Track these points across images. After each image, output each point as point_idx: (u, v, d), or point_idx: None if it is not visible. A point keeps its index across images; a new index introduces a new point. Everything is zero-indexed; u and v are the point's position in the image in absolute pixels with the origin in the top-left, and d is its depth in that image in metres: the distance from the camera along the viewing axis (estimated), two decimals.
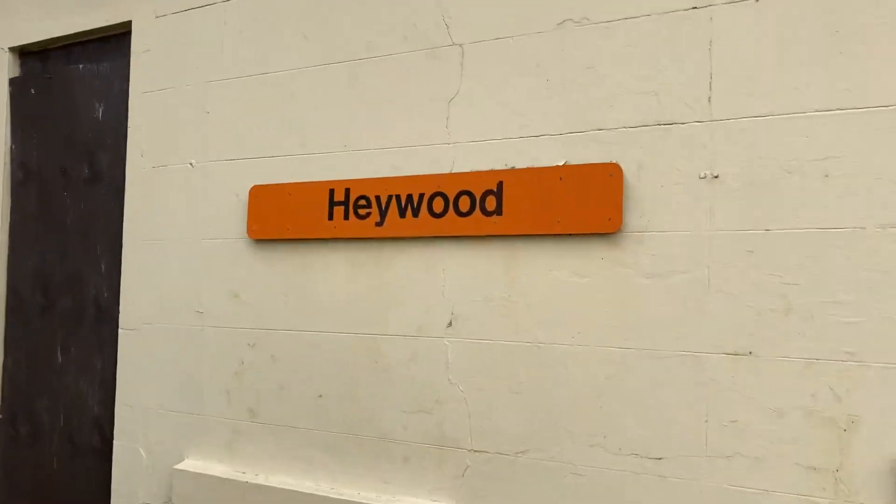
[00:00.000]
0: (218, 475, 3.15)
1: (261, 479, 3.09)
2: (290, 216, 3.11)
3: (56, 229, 3.89)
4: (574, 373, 2.53)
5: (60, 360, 3.85)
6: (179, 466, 3.29)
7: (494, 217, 2.66)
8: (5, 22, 4.09)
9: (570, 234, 2.55)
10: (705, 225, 2.35)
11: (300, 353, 3.09)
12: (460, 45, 2.80)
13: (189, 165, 3.44)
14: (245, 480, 3.09)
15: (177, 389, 3.39)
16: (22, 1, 4.05)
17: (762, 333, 2.26)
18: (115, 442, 3.56)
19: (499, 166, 2.70)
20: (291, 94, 3.18)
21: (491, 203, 2.68)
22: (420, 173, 2.86)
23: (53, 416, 3.86)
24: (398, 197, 2.86)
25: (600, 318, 2.50)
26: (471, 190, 2.72)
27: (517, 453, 2.62)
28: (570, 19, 2.60)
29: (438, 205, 2.77)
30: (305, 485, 3.02)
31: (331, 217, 3.01)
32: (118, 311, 3.63)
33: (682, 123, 2.40)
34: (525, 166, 2.65)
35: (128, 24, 3.71)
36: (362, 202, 2.94)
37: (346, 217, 2.97)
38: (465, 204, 2.72)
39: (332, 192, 3.01)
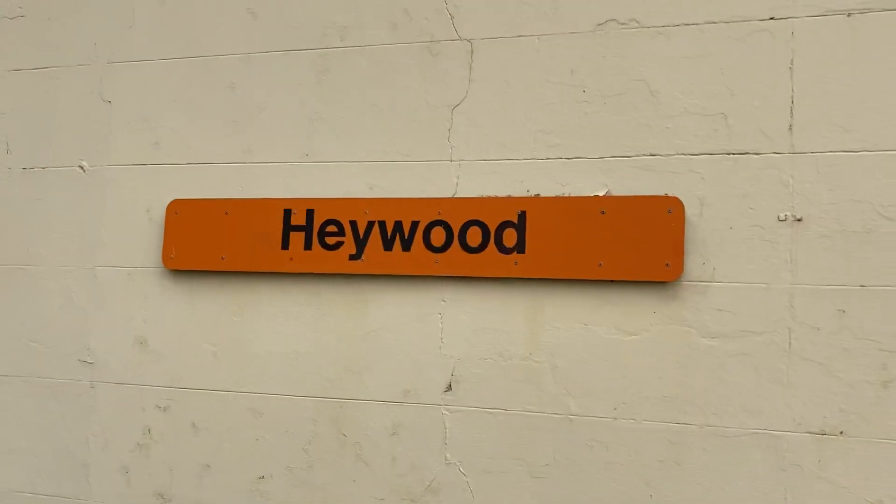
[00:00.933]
0: None
1: None
2: (226, 242, 2.40)
3: None
4: (617, 454, 2.03)
5: None
6: None
7: (515, 255, 2.13)
8: None
9: (614, 281, 2.06)
10: (785, 277, 1.95)
11: (234, 422, 2.36)
12: (469, 41, 2.26)
13: (78, 169, 2.62)
14: None
15: (50, 466, 2.52)
16: None
17: (855, 409, 1.88)
18: None
19: (518, 192, 2.18)
20: (231, 86, 2.49)
21: (510, 237, 2.14)
22: (409, 196, 2.27)
23: None
24: (382, 224, 2.25)
25: (652, 386, 2.03)
26: (483, 220, 2.17)
27: None
28: (613, 20, 2.14)
29: (438, 236, 2.20)
30: None
31: (285, 245, 2.33)
32: None
33: (757, 154, 2.00)
34: (554, 194, 2.15)
35: None
36: (331, 228, 2.30)
37: (308, 246, 2.31)
38: (474, 237, 2.16)
39: (287, 213, 2.34)
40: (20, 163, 2.69)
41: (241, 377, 2.37)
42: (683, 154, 2.05)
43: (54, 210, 2.61)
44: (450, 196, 2.23)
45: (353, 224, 2.27)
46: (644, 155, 2.09)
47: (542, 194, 2.15)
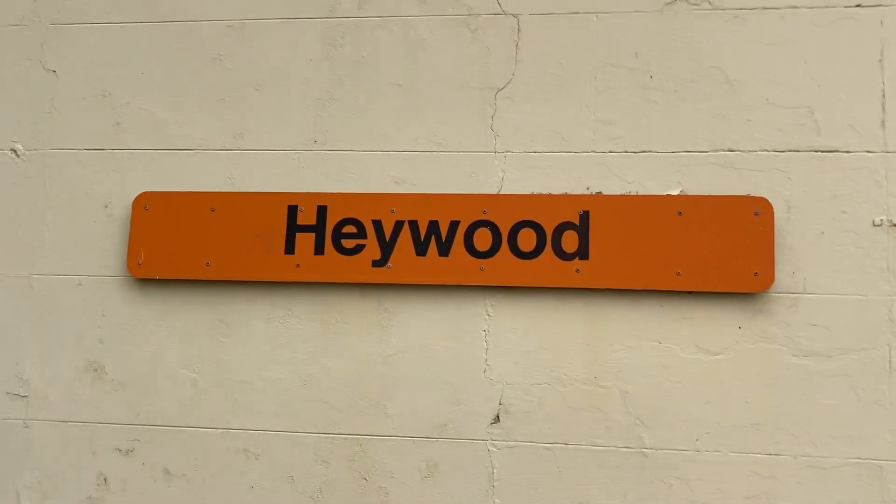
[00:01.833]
0: None
1: None
2: (212, 245, 1.96)
3: None
4: (700, 493, 1.75)
5: None
6: None
7: (576, 261, 1.82)
8: None
9: (692, 293, 1.80)
10: (883, 287, 1.76)
11: (220, 467, 1.91)
12: (515, 16, 1.96)
13: (10, 153, 2.10)
14: None
15: None
16: None
17: None
18: None
19: (575, 189, 1.89)
20: (218, 58, 2.07)
21: (570, 241, 1.83)
22: (445, 191, 1.92)
23: None
24: (414, 224, 1.89)
25: (738, 412, 1.76)
26: (537, 221, 1.85)
27: None
28: None
29: (483, 239, 1.86)
30: None
31: (290, 249, 1.93)
32: None
33: (847, 152, 1.81)
34: (618, 192, 1.87)
35: None
36: (349, 228, 1.91)
37: (320, 250, 1.91)
38: (527, 240, 1.85)
39: (293, 209, 1.94)
40: None
41: (230, 411, 1.93)
42: (766, 150, 1.83)
43: None
44: (495, 192, 1.91)
45: (378, 224, 1.90)
46: (722, 150, 1.85)
47: (604, 192, 1.87)
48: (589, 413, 1.81)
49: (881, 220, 1.78)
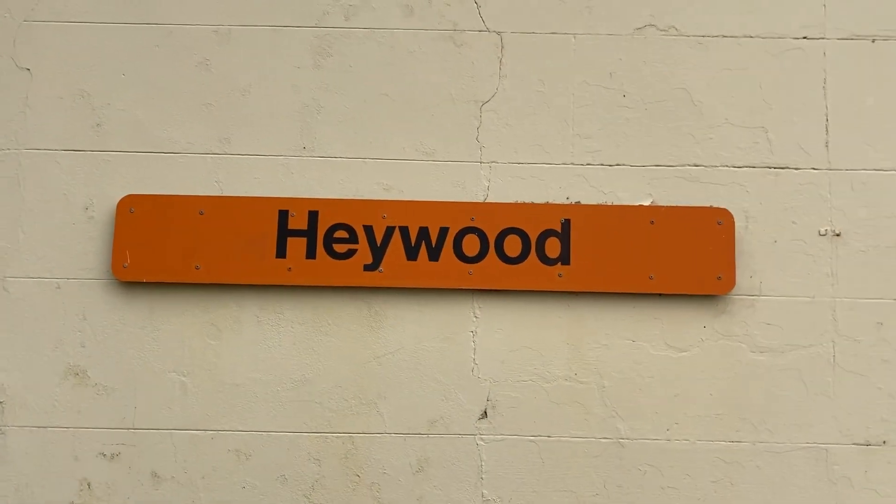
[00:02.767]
0: None
1: None
2: (202, 248, 1.98)
3: None
4: (671, 478, 1.91)
5: None
6: None
7: (559, 266, 1.95)
8: None
9: (663, 295, 1.97)
10: (827, 290, 1.97)
11: (211, 468, 1.93)
12: (498, 34, 2.08)
13: None
14: None
15: None
16: None
17: None
18: None
19: (556, 199, 2.02)
20: (204, 63, 2.08)
21: (553, 247, 1.96)
22: (432, 199, 2.02)
23: None
24: (405, 230, 1.97)
25: (704, 404, 1.94)
26: (522, 228, 1.97)
27: None
28: (652, 25, 2.07)
29: (472, 244, 1.96)
30: None
31: (282, 253, 1.97)
32: None
33: (796, 169, 2.02)
34: (595, 202, 2.01)
35: None
36: (341, 234, 1.97)
37: (312, 254, 1.97)
38: (513, 246, 1.96)
39: (284, 214, 1.98)
40: None
41: (220, 413, 1.95)
42: (727, 166, 2.02)
43: None
44: (480, 200, 2.01)
45: (369, 229, 1.97)
46: (688, 165, 2.02)
47: (582, 202, 2.01)
48: (570, 407, 1.94)
49: (826, 230, 1.99)
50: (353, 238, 1.97)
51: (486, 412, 1.94)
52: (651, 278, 1.95)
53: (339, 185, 2.03)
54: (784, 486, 1.91)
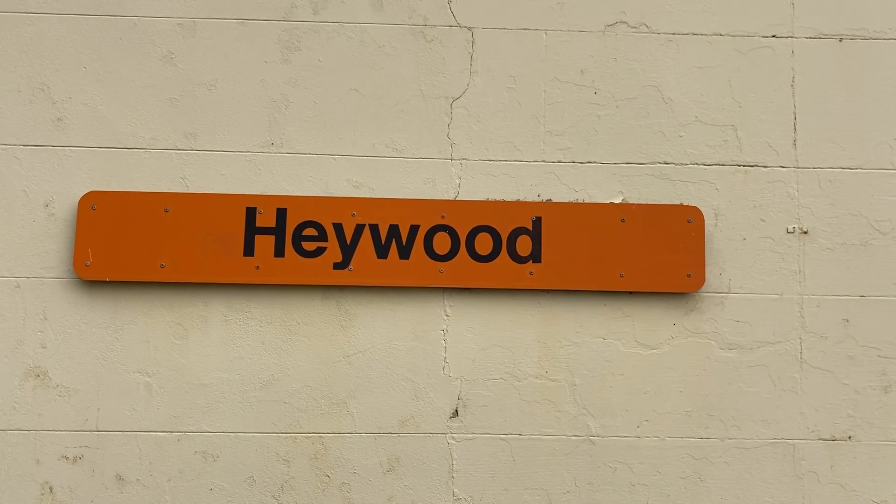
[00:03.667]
0: None
1: None
2: (167, 246, 1.93)
3: None
4: (641, 475, 1.92)
5: None
6: None
7: (530, 264, 1.95)
8: None
9: (633, 293, 1.97)
10: (795, 287, 1.99)
11: (177, 470, 1.90)
12: (469, 29, 2.06)
13: None
14: None
15: None
16: None
17: (861, 414, 1.95)
18: None
19: (528, 196, 2.01)
20: (169, 56, 2.03)
21: (524, 245, 1.96)
22: (402, 196, 1.99)
23: None
24: (375, 228, 1.95)
25: (673, 401, 1.95)
26: (493, 226, 1.96)
27: None
28: (623, 22, 2.07)
29: (442, 242, 1.95)
30: None
31: (249, 251, 1.94)
32: None
33: (765, 167, 2.03)
34: (566, 200, 2.01)
35: None
36: (310, 231, 1.95)
37: (280, 252, 1.94)
38: (484, 244, 1.95)
39: (251, 211, 1.95)
40: None
41: (186, 414, 1.91)
42: (697, 164, 2.03)
43: None
44: (451, 198, 2.00)
45: (339, 227, 1.95)
46: (658, 163, 2.03)
47: (553, 199, 2.00)
48: (541, 405, 1.94)
49: (794, 227, 2.01)
50: (322, 236, 1.94)
51: (457, 411, 1.93)
52: (622, 276, 1.95)
53: (307, 181, 2.00)
54: (752, 481, 1.93)
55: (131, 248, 1.93)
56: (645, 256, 1.96)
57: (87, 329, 1.93)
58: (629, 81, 2.05)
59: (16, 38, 2.03)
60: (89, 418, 1.90)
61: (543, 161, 2.02)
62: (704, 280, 1.95)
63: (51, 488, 1.88)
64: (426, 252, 1.94)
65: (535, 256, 1.95)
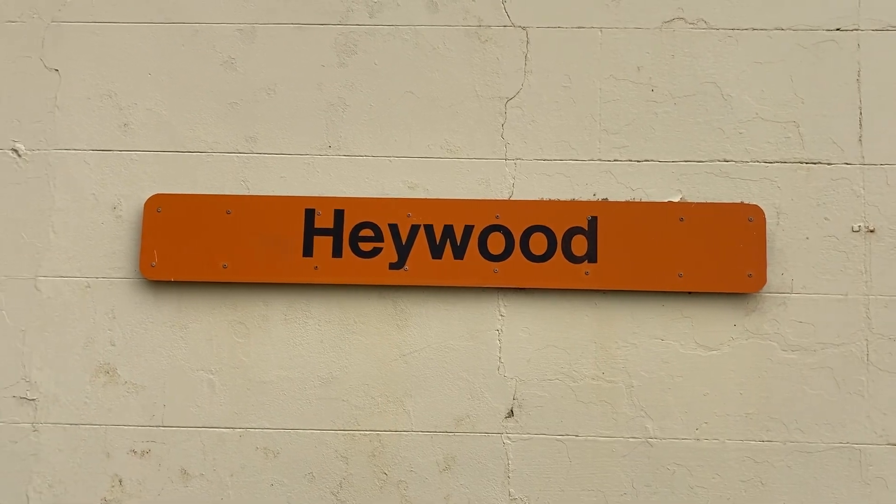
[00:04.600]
0: None
1: None
2: (229, 247, 1.98)
3: None
4: (700, 478, 1.90)
5: None
6: None
7: (585, 264, 1.94)
8: None
9: (692, 293, 1.94)
10: (861, 288, 1.93)
11: (240, 465, 1.95)
12: (523, 28, 2.05)
13: (12, 154, 2.06)
14: None
15: None
16: None
17: None
18: None
19: (583, 196, 2.00)
20: (230, 62, 2.08)
21: (580, 245, 1.95)
22: (457, 196, 2.00)
23: None
24: (430, 228, 1.96)
25: (734, 403, 1.92)
26: (548, 225, 1.96)
27: None
28: (681, 18, 2.04)
29: (497, 243, 1.95)
30: None
31: (308, 252, 1.97)
32: None
33: (829, 164, 1.97)
34: (623, 199, 1.99)
35: None
36: (366, 232, 1.97)
37: (338, 253, 1.97)
38: (538, 244, 1.95)
39: (310, 213, 1.99)
40: None
41: (248, 410, 1.96)
42: (757, 161, 1.98)
43: None
44: (506, 198, 2.00)
45: (394, 228, 1.97)
46: (718, 160, 1.99)
47: (610, 198, 1.99)
48: (598, 406, 1.93)
49: (859, 226, 1.95)
50: (378, 236, 1.97)
51: (512, 411, 1.94)
52: (680, 276, 1.92)
53: (364, 183, 2.03)
54: (816, 486, 1.89)
55: (194, 249, 1.98)
56: (704, 256, 1.93)
57: (153, 328, 1.99)
58: (687, 78, 2.02)
59: (84, 47, 2.10)
60: (155, 414, 1.97)
61: (599, 160, 2.01)
62: (766, 280, 1.91)
63: (120, 481, 1.95)
64: (480, 252, 1.95)
65: (591, 256, 1.94)
